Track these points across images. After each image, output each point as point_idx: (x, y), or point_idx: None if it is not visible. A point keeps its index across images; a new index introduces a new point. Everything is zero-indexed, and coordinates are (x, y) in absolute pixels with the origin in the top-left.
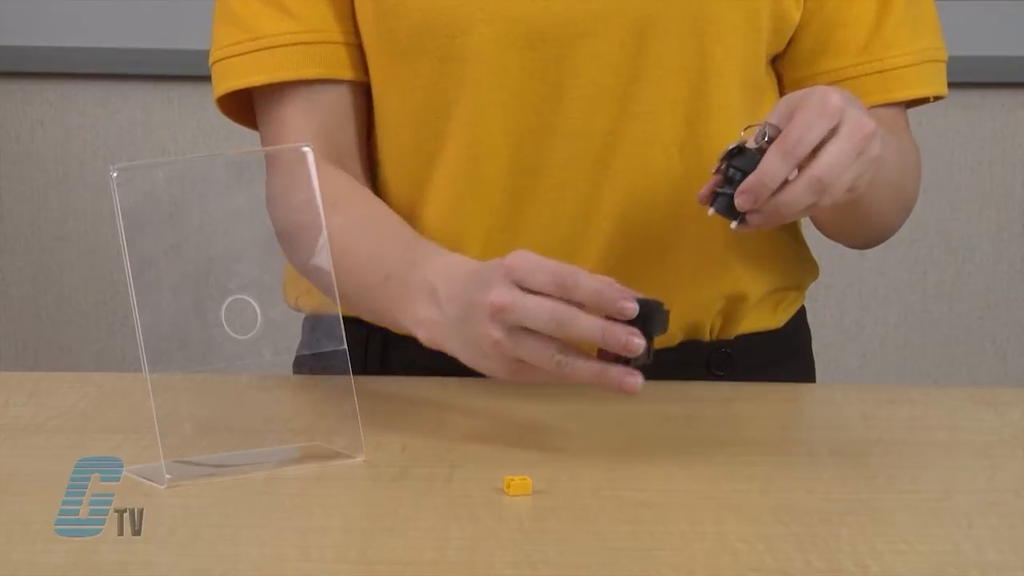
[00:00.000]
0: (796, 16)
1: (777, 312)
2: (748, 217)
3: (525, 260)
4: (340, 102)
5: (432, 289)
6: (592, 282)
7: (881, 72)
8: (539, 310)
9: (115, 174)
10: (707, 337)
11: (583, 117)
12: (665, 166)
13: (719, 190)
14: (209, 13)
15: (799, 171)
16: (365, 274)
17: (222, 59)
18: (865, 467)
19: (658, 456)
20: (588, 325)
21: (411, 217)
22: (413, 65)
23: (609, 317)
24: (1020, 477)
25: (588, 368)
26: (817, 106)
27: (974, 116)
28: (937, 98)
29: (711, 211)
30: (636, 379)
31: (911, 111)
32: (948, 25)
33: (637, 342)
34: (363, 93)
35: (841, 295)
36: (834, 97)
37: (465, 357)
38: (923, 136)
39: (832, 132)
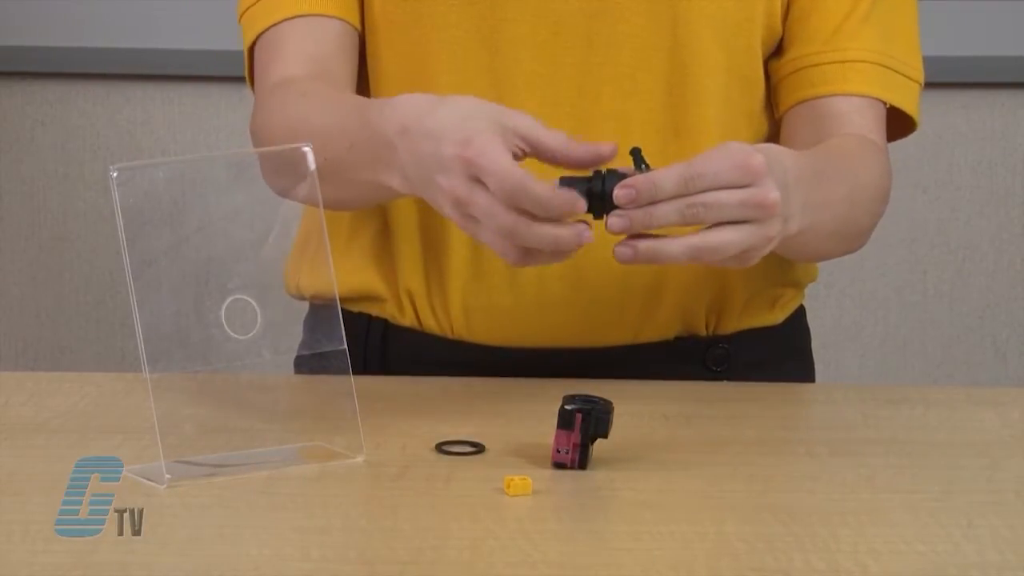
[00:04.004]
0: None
1: (774, 309)
2: (613, 217)
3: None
4: (333, 36)
5: (391, 146)
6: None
7: (842, 63)
8: (492, 218)
9: (115, 174)
10: (703, 333)
11: (547, 88)
12: (659, 147)
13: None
14: (209, 14)
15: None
16: (334, 149)
17: (245, 11)
18: (865, 467)
19: (658, 456)
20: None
21: None
22: (398, 31)
23: None
24: (1020, 477)
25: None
26: (737, 157)
27: (974, 116)
28: (906, 122)
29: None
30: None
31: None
32: (950, 25)
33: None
34: (356, 37)
35: (841, 295)
36: (757, 158)
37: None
38: (923, 136)
39: (740, 188)
